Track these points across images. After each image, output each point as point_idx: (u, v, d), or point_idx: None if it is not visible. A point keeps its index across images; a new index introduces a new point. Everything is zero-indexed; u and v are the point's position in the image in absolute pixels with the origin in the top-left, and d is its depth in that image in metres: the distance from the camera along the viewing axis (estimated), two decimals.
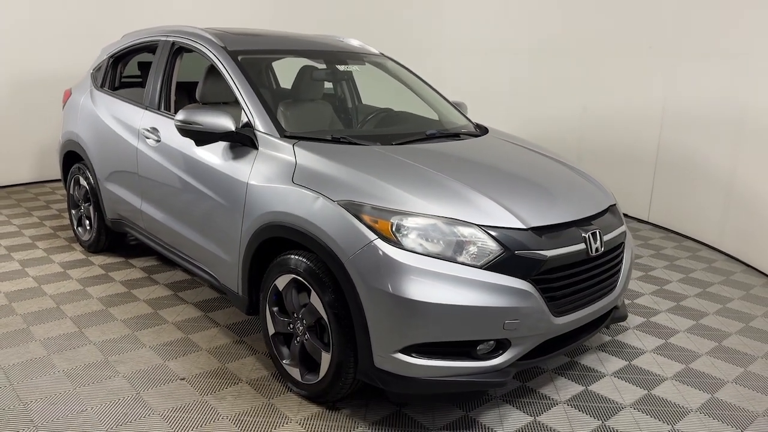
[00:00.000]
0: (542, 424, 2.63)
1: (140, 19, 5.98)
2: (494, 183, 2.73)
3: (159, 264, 4.34)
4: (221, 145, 3.06)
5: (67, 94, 4.73)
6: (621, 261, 2.91)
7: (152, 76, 3.81)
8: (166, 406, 2.64)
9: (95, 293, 3.82)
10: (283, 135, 2.91)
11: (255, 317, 3.33)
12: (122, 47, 4.36)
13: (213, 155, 3.10)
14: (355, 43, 4.20)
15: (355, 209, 2.42)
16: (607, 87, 6.01)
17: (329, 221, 2.45)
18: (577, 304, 2.60)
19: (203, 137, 2.93)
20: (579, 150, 6.36)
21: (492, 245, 2.37)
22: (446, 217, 2.39)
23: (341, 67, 3.99)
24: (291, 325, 2.73)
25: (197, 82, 3.38)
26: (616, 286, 2.85)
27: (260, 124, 2.97)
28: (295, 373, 2.73)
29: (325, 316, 2.50)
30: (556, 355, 2.68)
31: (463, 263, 2.33)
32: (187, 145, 3.24)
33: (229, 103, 3.27)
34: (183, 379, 2.87)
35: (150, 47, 4.08)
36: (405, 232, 2.35)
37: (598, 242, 2.64)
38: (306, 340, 2.66)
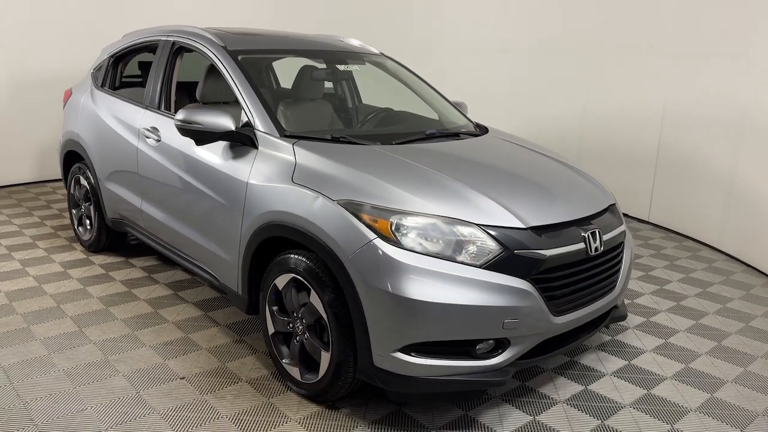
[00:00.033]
0: (542, 423, 2.63)
1: (140, 19, 5.99)
2: (494, 182, 2.74)
3: (159, 263, 4.34)
4: (221, 145, 3.06)
5: (68, 94, 4.74)
6: (620, 260, 2.92)
7: (152, 76, 3.82)
8: (166, 405, 2.65)
9: (95, 293, 3.83)
10: (283, 134, 2.91)
11: (255, 316, 3.34)
12: (123, 47, 4.36)
13: (213, 155, 3.11)
14: (355, 42, 4.21)
15: (354, 208, 2.43)
16: (608, 87, 6.01)
17: (329, 220, 2.46)
18: (577, 304, 2.61)
19: (203, 137, 2.94)
20: (579, 150, 6.36)
21: (491, 244, 2.38)
22: (446, 217, 2.39)
23: (341, 67, 4.00)
24: (291, 325, 2.74)
25: (197, 82, 3.39)
26: (615, 285, 2.86)
27: (260, 123, 2.97)
28: (294, 372, 2.73)
29: (324, 316, 2.50)
30: (556, 354, 2.68)
31: (462, 262, 2.33)
32: (187, 144, 3.24)
33: (229, 103, 3.27)
34: (183, 378, 2.87)
35: (150, 47, 4.09)
36: (404, 232, 2.35)
37: (598, 242, 2.65)
38: (306, 339, 2.66)
